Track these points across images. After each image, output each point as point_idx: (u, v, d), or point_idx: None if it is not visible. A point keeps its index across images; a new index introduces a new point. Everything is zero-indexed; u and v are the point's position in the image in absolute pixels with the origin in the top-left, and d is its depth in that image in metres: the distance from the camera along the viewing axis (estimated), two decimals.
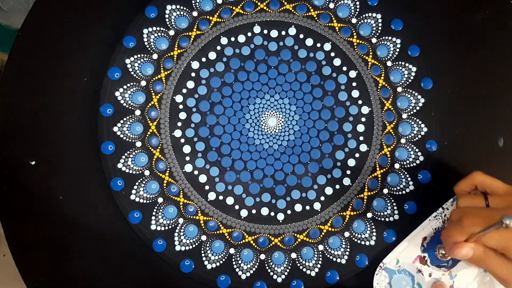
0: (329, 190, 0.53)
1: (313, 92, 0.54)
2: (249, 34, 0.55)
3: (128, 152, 0.53)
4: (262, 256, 0.51)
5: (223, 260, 0.51)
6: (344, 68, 0.54)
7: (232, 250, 0.51)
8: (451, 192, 0.51)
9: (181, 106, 0.54)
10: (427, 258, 0.50)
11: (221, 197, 0.52)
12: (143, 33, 0.54)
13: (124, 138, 0.53)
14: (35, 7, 0.55)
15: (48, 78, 0.54)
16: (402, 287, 0.50)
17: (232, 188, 0.52)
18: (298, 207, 0.52)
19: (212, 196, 0.52)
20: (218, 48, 0.55)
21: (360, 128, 0.54)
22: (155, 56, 0.54)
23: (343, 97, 0.54)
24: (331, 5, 0.55)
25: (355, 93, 0.54)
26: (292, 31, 0.55)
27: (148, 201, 0.52)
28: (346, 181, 0.53)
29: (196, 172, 0.53)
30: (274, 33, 0.55)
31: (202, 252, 0.51)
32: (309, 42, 0.55)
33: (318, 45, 0.55)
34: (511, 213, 0.36)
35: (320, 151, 0.53)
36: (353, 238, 0.52)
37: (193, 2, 0.55)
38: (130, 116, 0.53)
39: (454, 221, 0.44)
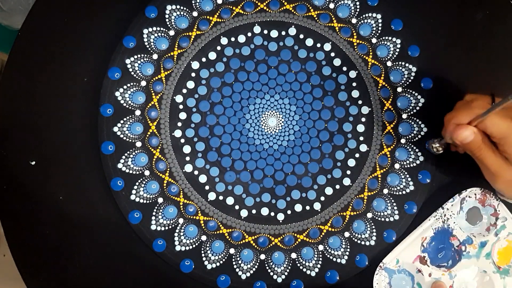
0: (329, 190, 0.53)
1: (313, 92, 0.54)
2: (249, 34, 0.55)
3: (128, 152, 0.53)
4: (262, 256, 0.52)
5: (223, 260, 0.51)
6: (344, 68, 0.54)
7: (232, 250, 0.51)
8: (451, 192, 0.51)
9: (181, 106, 0.54)
10: (427, 258, 0.50)
11: (221, 197, 0.52)
12: (143, 33, 0.54)
13: (124, 138, 0.53)
14: (35, 7, 0.55)
15: (48, 78, 0.54)
16: (402, 287, 0.50)
17: (232, 188, 0.52)
18: (298, 207, 0.52)
19: (212, 196, 0.52)
20: (218, 48, 0.55)
21: (360, 128, 0.54)
22: (155, 56, 0.54)
23: (343, 97, 0.54)
24: (331, 5, 0.55)
25: (355, 93, 0.54)
26: (292, 31, 0.55)
27: (148, 201, 0.52)
28: (346, 181, 0.53)
29: (196, 172, 0.53)
30: (274, 33, 0.55)
31: (202, 252, 0.51)
32: (309, 42, 0.55)
33: (318, 45, 0.55)
34: None
35: (320, 151, 0.53)
36: (353, 238, 0.52)
37: (193, 2, 0.55)
38: (130, 116, 0.53)
39: (462, 103, 0.44)
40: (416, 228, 0.51)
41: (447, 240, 0.50)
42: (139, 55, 0.54)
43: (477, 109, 0.42)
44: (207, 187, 0.53)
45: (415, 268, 0.50)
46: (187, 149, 0.53)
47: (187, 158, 0.53)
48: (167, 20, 0.55)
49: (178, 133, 0.53)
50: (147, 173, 0.52)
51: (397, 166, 0.53)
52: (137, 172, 0.52)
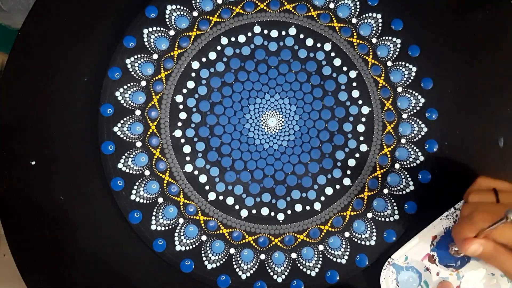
0: (329, 190, 0.53)
1: (313, 92, 0.54)
2: (249, 34, 0.55)
3: (128, 152, 0.53)
4: (262, 256, 0.51)
5: (223, 260, 0.51)
6: (344, 68, 0.54)
7: (232, 250, 0.51)
8: (451, 192, 0.51)
9: (181, 106, 0.54)
10: (436, 257, 0.50)
11: (221, 197, 0.52)
12: (143, 33, 0.54)
13: (124, 138, 0.53)
14: (35, 7, 0.55)
15: (48, 78, 0.54)
16: (408, 284, 0.50)
17: (232, 188, 0.52)
18: (298, 207, 0.52)
19: (212, 196, 0.52)
20: (218, 48, 0.55)
21: (360, 128, 0.54)
22: (155, 56, 0.54)
23: (343, 97, 0.54)
24: (331, 5, 0.55)
25: (355, 93, 0.54)
26: (292, 31, 0.55)
27: (148, 201, 0.52)
28: (346, 181, 0.53)
29: (196, 172, 0.53)
30: (274, 33, 0.55)
31: (202, 252, 0.51)
32: (309, 42, 0.55)
33: (318, 45, 0.55)
34: None
35: (320, 151, 0.53)
36: (353, 238, 0.52)
37: (193, 2, 0.55)
38: (130, 116, 0.53)
39: (464, 217, 0.44)
40: (418, 227, 0.51)
41: None
42: (139, 55, 0.54)
43: (479, 223, 0.42)
44: (207, 187, 0.52)
45: (423, 266, 0.50)
46: (187, 149, 0.53)
47: (187, 158, 0.53)
48: (167, 20, 0.55)
49: (178, 133, 0.53)
50: (147, 173, 0.52)
51: (397, 166, 0.53)
52: (137, 172, 0.52)
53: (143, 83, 0.54)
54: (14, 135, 0.53)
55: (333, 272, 0.51)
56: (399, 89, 0.54)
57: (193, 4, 0.55)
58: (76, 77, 0.54)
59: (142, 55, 0.54)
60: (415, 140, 0.53)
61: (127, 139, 0.53)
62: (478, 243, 0.42)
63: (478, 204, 0.44)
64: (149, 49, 0.54)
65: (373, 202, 0.52)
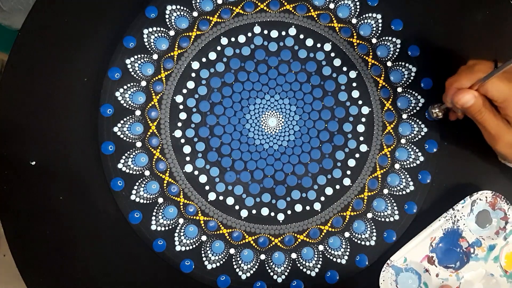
0: (329, 190, 0.53)
1: (313, 93, 0.54)
2: (249, 34, 0.55)
3: (128, 152, 0.53)
4: (262, 256, 0.52)
5: (223, 260, 0.51)
6: (344, 69, 0.54)
7: (232, 250, 0.51)
8: (451, 192, 0.51)
9: (181, 107, 0.54)
10: (435, 258, 0.50)
11: (221, 197, 0.52)
12: (143, 33, 0.54)
13: (124, 138, 0.53)
14: (35, 7, 0.55)
15: (48, 78, 0.54)
16: (408, 285, 0.50)
17: (232, 188, 0.52)
18: (298, 207, 0.52)
19: (212, 196, 0.52)
20: (218, 48, 0.55)
21: (360, 128, 0.54)
22: (155, 57, 0.54)
23: (343, 98, 0.54)
24: (331, 6, 0.55)
25: (355, 94, 0.54)
26: (292, 31, 0.55)
27: (148, 201, 0.52)
28: (346, 181, 0.53)
29: (196, 172, 0.53)
30: (274, 34, 0.55)
31: (202, 252, 0.51)
32: (309, 42, 0.55)
33: (318, 45, 0.55)
34: None
35: (320, 151, 0.53)
36: (353, 238, 0.52)
37: (193, 2, 0.55)
38: (130, 116, 0.53)
39: (464, 67, 0.44)
40: (419, 228, 0.51)
41: (456, 242, 0.50)
42: (139, 55, 0.54)
43: (479, 73, 0.42)
44: (207, 187, 0.53)
45: (422, 267, 0.50)
46: (187, 149, 0.53)
47: (187, 158, 0.53)
48: (167, 20, 0.55)
49: (178, 133, 0.53)
50: (147, 173, 0.52)
51: (397, 166, 0.53)
52: (137, 172, 0.52)
53: (143, 83, 0.54)
54: (14, 135, 0.53)
55: (333, 272, 0.51)
56: (399, 89, 0.54)
57: (193, 4, 0.55)
58: (76, 77, 0.54)
59: (142, 55, 0.54)
60: (415, 140, 0.53)
61: (127, 139, 0.53)
62: (472, 93, 0.42)
63: (479, 61, 0.44)
64: (149, 49, 0.54)
65: (373, 202, 0.52)
